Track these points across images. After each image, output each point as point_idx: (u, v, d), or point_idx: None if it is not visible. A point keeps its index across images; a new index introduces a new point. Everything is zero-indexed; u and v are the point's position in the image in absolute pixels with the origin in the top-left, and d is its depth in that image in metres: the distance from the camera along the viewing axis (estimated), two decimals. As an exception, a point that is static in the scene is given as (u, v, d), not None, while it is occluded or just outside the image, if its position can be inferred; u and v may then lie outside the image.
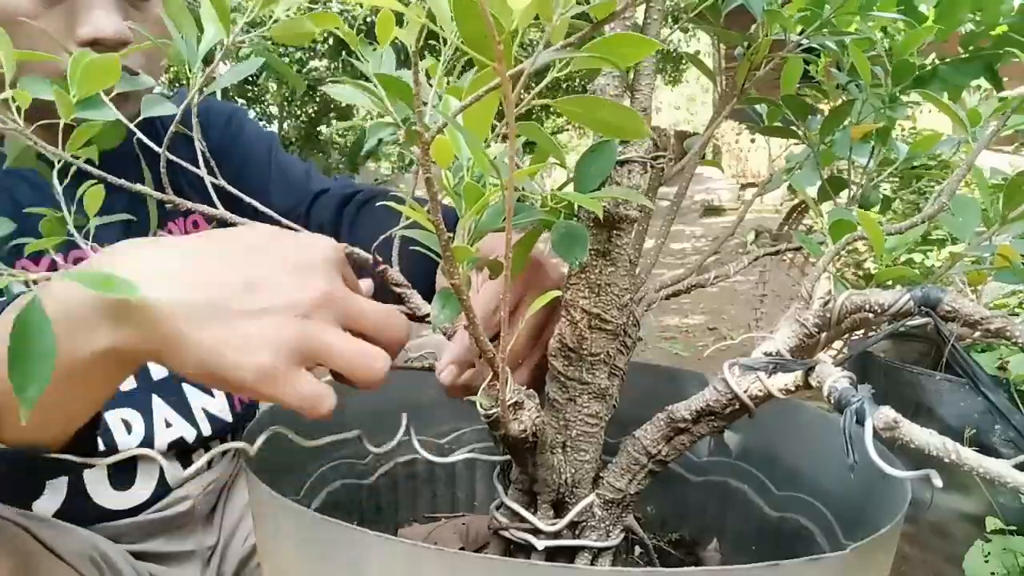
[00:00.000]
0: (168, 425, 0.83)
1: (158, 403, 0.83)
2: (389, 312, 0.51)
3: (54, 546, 0.64)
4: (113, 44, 0.71)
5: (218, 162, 0.61)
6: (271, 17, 0.51)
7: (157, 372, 0.84)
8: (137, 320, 0.44)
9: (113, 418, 0.79)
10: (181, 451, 0.86)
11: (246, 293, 0.45)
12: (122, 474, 0.81)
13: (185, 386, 0.86)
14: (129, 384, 0.81)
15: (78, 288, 0.42)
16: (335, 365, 0.47)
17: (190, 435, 0.84)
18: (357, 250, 0.59)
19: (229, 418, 0.89)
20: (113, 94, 0.51)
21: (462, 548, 0.73)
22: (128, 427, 0.80)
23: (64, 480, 0.77)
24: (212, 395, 0.88)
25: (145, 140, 0.56)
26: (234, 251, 0.48)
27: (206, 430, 0.86)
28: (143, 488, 0.83)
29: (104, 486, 0.80)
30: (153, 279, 0.44)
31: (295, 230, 0.54)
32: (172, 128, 0.54)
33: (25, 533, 0.62)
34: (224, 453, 0.94)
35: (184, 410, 0.85)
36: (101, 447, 0.78)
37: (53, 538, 0.65)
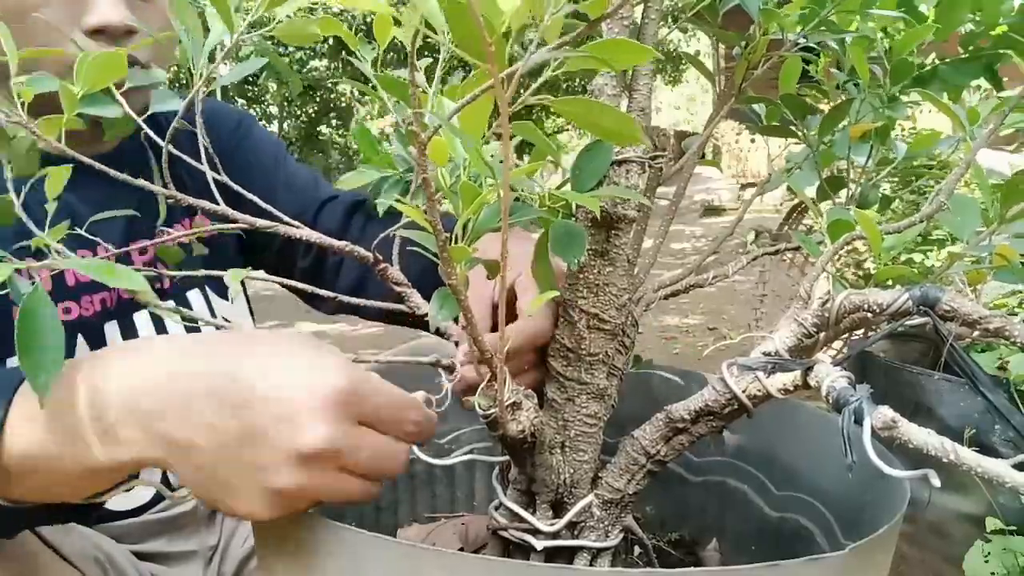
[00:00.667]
0: None
1: None
2: (394, 443, 0.48)
3: (58, 546, 0.64)
4: (118, 33, 0.71)
5: (224, 164, 0.61)
6: (274, 18, 0.51)
7: None
8: (150, 444, 0.45)
9: None
10: None
11: (237, 446, 0.43)
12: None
13: None
14: None
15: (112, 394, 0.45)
16: (341, 498, 0.46)
17: None
18: (358, 248, 0.58)
19: None
20: (124, 88, 0.51)
21: (461, 548, 0.72)
22: None
23: None
24: None
25: (153, 136, 0.56)
26: (213, 393, 0.44)
27: None
28: (145, 489, 0.82)
29: None
30: (142, 421, 0.44)
31: (298, 228, 0.54)
32: (174, 123, 0.54)
33: (30, 533, 0.62)
34: None
35: None
36: None
37: (57, 539, 0.65)
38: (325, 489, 0.45)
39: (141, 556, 0.82)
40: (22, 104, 0.47)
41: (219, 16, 0.48)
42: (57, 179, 0.47)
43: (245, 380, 0.44)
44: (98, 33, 0.70)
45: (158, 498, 0.83)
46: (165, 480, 0.84)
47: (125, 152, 0.79)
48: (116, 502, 0.80)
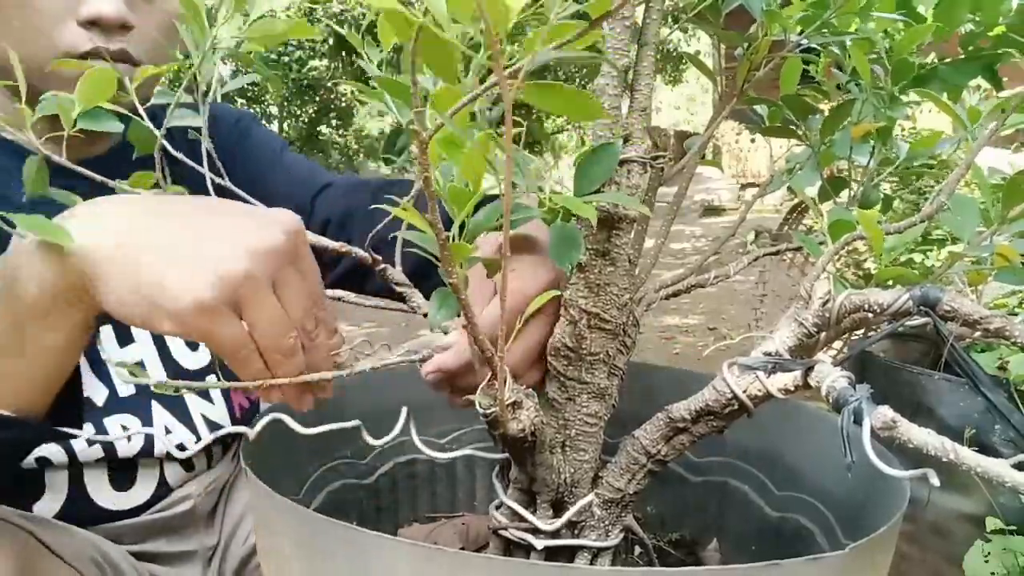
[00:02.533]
0: (168, 431, 0.83)
1: (158, 409, 0.83)
2: (319, 303, 0.51)
3: (56, 548, 0.64)
4: (112, 26, 0.71)
5: (223, 162, 0.61)
6: (246, 19, 0.51)
7: (157, 378, 0.84)
8: (72, 256, 0.46)
9: (112, 424, 0.79)
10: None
11: (209, 230, 0.46)
12: (123, 476, 0.81)
13: (185, 393, 0.86)
14: (128, 390, 0.81)
15: (25, 244, 0.46)
16: (254, 320, 0.46)
17: (190, 442, 0.84)
18: (356, 250, 0.58)
19: (229, 424, 0.89)
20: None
21: (462, 548, 0.73)
22: (128, 436, 0.80)
23: (65, 481, 0.77)
24: (212, 402, 0.88)
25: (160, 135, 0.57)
26: (207, 203, 0.51)
27: (206, 437, 0.86)
28: (144, 489, 0.83)
29: (105, 487, 0.80)
30: (103, 217, 0.47)
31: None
32: (169, 118, 0.55)
33: (27, 535, 0.62)
34: (225, 453, 0.94)
35: (184, 417, 0.85)
36: (100, 454, 0.78)
37: (55, 539, 0.65)
38: (261, 289, 0.46)
39: (140, 556, 0.82)
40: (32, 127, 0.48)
41: (195, 29, 0.49)
42: (39, 177, 0.49)
43: (220, 201, 0.51)
44: (92, 25, 0.70)
45: (157, 498, 0.84)
46: (165, 482, 0.84)
47: (123, 150, 0.79)
48: (114, 502, 0.80)
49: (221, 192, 0.59)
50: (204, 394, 0.88)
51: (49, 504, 0.77)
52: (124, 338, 0.82)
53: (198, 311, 0.44)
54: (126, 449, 0.79)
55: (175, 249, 0.45)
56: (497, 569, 0.43)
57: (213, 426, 0.87)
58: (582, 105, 0.36)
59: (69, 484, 0.78)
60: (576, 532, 0.54)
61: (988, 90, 0.67)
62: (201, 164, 0.58)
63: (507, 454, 0.58)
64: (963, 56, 0.61)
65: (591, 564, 0.53)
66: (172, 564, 0.85)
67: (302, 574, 0.48)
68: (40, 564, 0.62)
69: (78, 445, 0.76)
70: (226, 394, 0.90)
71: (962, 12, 0.58)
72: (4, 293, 0.48)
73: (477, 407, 0.48)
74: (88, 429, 0.77)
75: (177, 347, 0.86)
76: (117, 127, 0.51)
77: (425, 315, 0.58)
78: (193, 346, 0.87)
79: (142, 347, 0.83)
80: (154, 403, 0.83)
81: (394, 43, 0.53)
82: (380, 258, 0.57)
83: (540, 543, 0.53)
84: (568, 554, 0.54)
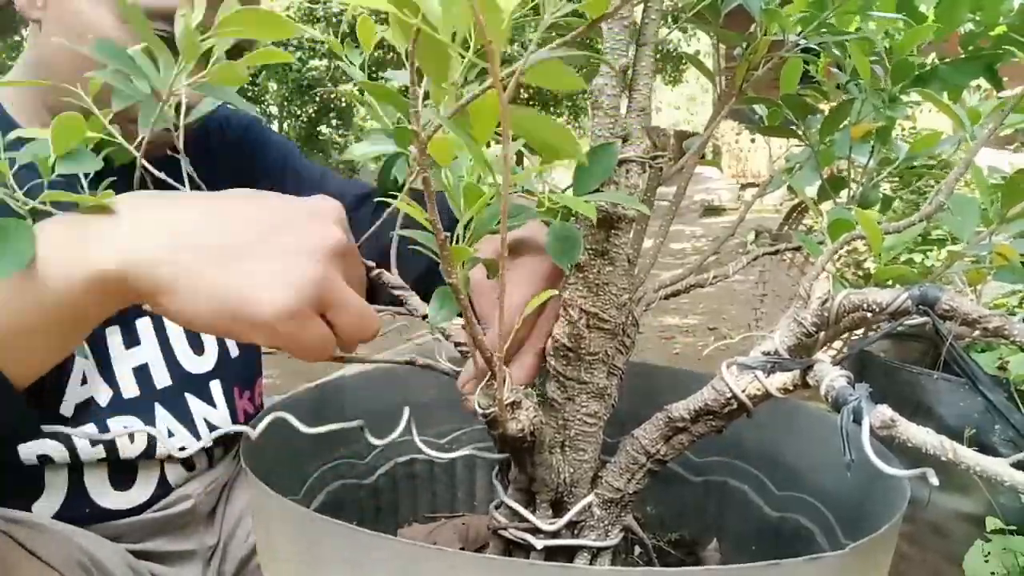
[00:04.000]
0: (171, 435, 0.83)
1: (161, 413, 0.83)
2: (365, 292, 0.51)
3: (33, 547, 0.63)
4: (164, 13, 0.69)
5: (232, 167, 0.61)
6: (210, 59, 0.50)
7: (160, 381, 0.84)
8: (117, 258, 0.44)
9: (115, 425, 0.79)
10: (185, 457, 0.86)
11: (271, 234, 0.46)
12: (123, 475, 0.81)
13: (188, 396, 0.86)
14: (132, 392, 0.81)
15: (72, 220, 0.45)
16: (342, 318, 0.47)
17: (192, 445, 0.84)
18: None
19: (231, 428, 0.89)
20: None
21: (462, 548, 0.73)
22: (131, 436, 0.80)
23: (65, 481, 0.77)
24: (215, 406, 0.88)
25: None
26: (252, 201, 0.49)
27: (205, 437, 0.86)
28: (144, 489, 0.83)
29: (105, 487, 0.80)
30: (151, 220, 0.46)
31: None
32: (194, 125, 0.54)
33: (6, 538, 0.62)
34: (226, 453, 0.94)
35: (186, 420, 0.85)
36: (102, 454, 0.78)
37: (32, 539, 0.64)
38: (341, 288, 0.47)
39: (140, 555, 0.82)
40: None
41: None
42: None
43: (272, 198, 0.50)
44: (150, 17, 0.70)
45: (156, 497, 0.84)
46: (165, 481, 0.84)
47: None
48: (114, 502, 0.80)
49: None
50: (207, 398, 0.88)
51: (48, 504, 0.77)
52: (130, 341, 0.82)
53: (287, 318, 0.44)
54: (128, 450, 0.79)
55: (244, 256, 0.45)
56: (497, 569, 0.43)
57: (215, 430, 0.87)
58: (563, 143, 0.37)
59: (69, 484, 0.78)
60: (576, 532, 0.54)
61: (988, 90, 0.67)
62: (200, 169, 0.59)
63: (507, 454, 0.58)
64: (963, 56, 0.61)
65: (591, 564, 0.53)
66: (172, 563, 0.86)
67: (302, 574, 0.48)
68: (16, 564, 0.61)
69: (80, 443, 0.76)
70: (229, 398, 0.90)
71: (962, 12, 0.58)
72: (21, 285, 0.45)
73: (476, 407, 0.48)
74: (91, 429, 0.77)
75: (182, 350, 0.86)
76: (98, 165, 0.49)
77: (424, 317, 0.58)
78: (198, 350, 0.87)
79: (148, 350, 0.83)
80: (157, 406, 0.83)
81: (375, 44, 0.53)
82: (374, 264, 0.57)
83: (540, 543, 0.53)
84: (568, 554, 0.54)
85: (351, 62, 0.57)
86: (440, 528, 0.77)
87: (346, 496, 0.74)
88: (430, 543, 0.72)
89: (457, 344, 0.57)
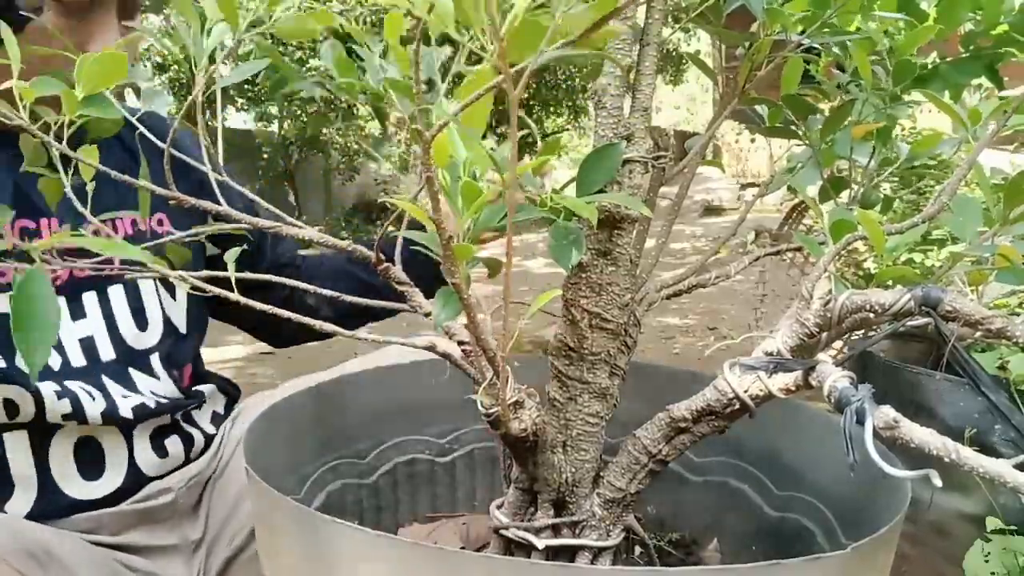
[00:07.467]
0: (125, 396, 0.84)
1: (108, 382, 0.84)
2: None
3: None
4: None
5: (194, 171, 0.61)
6: (272, 17, 0.51)
7: (105, 354, 0.84)
8: None
9: (74, 386, 0.79)
10: (156, 431, 0.87)
11: None
12: (90, 463, 0.82)
13: (131, 370, 0.87)
14: (80, 361, 0.82)
15: None
16: None
17: (151, 402, 0.85)
18: (360, 247, 0.58)
19: (179, 395, 0.90)
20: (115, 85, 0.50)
21: (462, 548, 0.73)
22: (91, 395, 0.80)
23: (33, 474, 0.78)
24: (157, 377, 0.89)
25: (149, 134, 0.57)
26: None
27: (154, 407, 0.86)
28: (113, 476, 0.83)
29: (74, 477, 0.80)
30: None
31: (302, 228, 0.54)
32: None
33: None
34: (206, 448, 0.93)
35: (132, 390, 0.86)
36: (68, 409, 0.78)
37: None
38: None
39: (119, 548, 0.82)
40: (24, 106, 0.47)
41: (222, 14, 0.48)
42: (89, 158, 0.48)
43: None
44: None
45: (130, 487, 0.84)
46: (136, 468, 0.84)
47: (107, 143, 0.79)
48: (85, 492, 0.80)
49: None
50: (149, 370, 0.88)
51: (21, 502, 0.77)
52: (77, 313, 0.83)
53: None
54: (92, 407, 0.79)
55: None
56: (498, 568, 0.43)
57: (159, 400, 0.87)
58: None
59: (37, 476, 0.78)
60: (577, 532, 0.54)
61: (989, 89, 0.67)
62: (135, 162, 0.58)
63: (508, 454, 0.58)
64: (964, 55, 0.61)
65: (592, 564, 0.53)
66: (154, 557, 0.85)
67: (302, 573, 0.48)
68: None
69: (46, 393, 0.76)
70: (169, 371, 0.90)
71: (963, 11, 0.58)
72: None
73: (479, 407, 0.48)
74: (49, 386, 0.77)
75: (126, 327, 0.86)
76: (115, 113, 0.49)
77: (427, 315, 0.58)
78: (141, 326, 0.88)
79: (92, 323, 0.84)
80: (103, 376, 0.84)
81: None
82: (384, 257, 0.57)
83: (541, 542, 0.53)
84: (569, 554, 0.54)
85: (370, 48, 0.56)
86: (440, 528, 0.77)
87: (347, 495, 0.74)
88: (431, 543, 0.72)
89: (460, 343, 0.57)
